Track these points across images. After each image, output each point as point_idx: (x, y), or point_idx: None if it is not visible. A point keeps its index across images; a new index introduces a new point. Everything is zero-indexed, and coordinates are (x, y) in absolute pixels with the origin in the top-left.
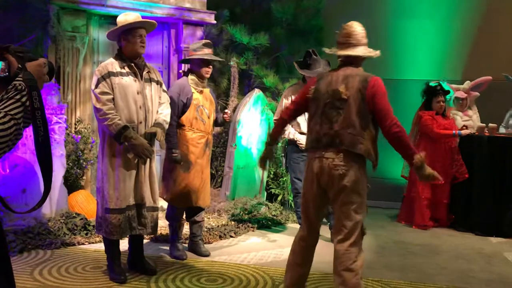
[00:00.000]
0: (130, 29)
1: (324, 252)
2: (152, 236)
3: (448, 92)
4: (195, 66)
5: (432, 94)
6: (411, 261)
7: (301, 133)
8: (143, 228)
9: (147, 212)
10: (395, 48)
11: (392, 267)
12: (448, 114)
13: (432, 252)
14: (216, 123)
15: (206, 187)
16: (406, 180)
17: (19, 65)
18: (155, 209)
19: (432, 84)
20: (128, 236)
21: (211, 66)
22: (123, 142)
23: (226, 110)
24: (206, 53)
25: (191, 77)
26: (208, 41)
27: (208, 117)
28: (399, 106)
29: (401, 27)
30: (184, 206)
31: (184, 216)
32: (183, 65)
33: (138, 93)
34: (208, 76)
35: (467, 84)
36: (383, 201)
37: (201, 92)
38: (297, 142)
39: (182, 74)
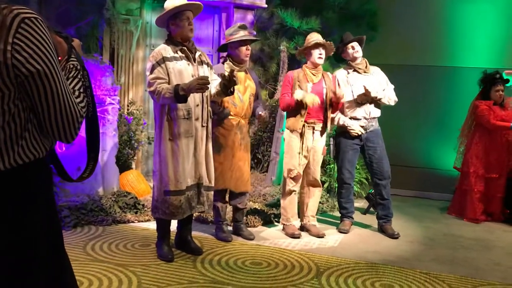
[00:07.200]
0: (178, 13)
1: (371, 241)
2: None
3: (507, 81)
4: (233, 50)
5: (490, 82)
6: (462, 255)
7: (352, 118)
8: (202, 205)
9: (204, 191)
10: (453, 34)
11: (441, 260)
12: (507, 104)
13: (484, 247)
14: (252, 114)
15: (240, 172)
16: (458, 172)
17: (68, 46)
18: (210, 188)
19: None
20: None
21: (249, 48)
22: (184, 95)
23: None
24: (242, 35)
25: (227, 62)
26: (243, 23)
27: (241, 101)
28: (455, 94)
29: (460, 12)
30: (215, 188)
31: (227, 199)
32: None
33: (192, 76)
34: (247, 58)
35: None
36: (434, 193)
37: None
38: (348, 128)
39: (222, 61)
